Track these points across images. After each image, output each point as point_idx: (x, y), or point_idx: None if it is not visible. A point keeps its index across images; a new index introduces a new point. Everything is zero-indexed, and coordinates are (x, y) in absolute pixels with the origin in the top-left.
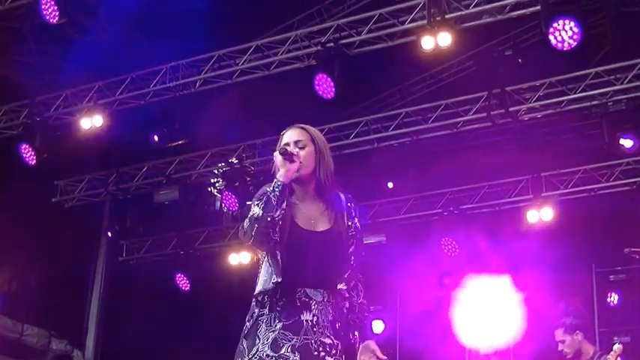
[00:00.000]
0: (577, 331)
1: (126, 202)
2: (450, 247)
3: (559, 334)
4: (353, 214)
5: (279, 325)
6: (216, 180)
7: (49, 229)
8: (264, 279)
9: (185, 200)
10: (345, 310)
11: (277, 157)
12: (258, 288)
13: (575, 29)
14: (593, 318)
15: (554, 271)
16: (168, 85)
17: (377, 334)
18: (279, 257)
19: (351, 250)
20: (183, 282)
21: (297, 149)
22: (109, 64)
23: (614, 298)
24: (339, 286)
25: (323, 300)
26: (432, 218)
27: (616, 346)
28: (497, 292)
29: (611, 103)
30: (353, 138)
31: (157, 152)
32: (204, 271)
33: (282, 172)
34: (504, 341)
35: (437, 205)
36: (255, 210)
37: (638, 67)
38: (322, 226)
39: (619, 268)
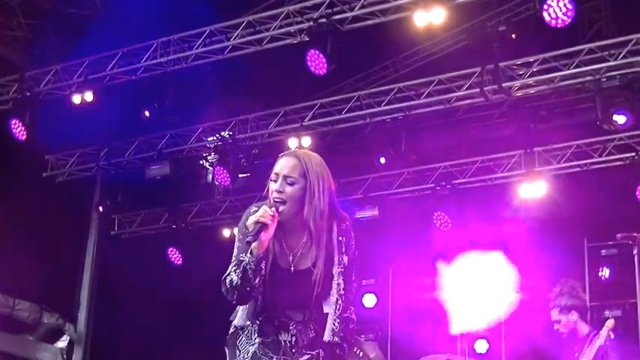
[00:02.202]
0: (572, 311)
1: (117, 176)
2: (442, 221)
3: (554, 314)
4: (343, 249)
5: (258, 340)
6: (208, 154)
7: (40, 204)
8: (241, 315)
9: (177, 175)
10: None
11: (255, 220)
12: (236, 322)
13: (570, 5)
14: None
15: (546, 246)
16: (159, 60)
17: (369, 308)
18: (259, 300)
19: (336, 287)
20: (175, 256)
21: (284, 187)
22: (99, 39)
23: (605, 273)
24: (325, 309)
25: (303, 319)
26: (424, 193)
27: (608, 321)
28: (490, 267)
29: (604, 79)
30: (345, 113)
31: (149, 127)
32: (196, 245)
33: (256, 244)
34: (496, 317)
35: (429, 179)
36: (233, 277)
37: (631, 44)
38: (303, 263)
39: (610, 242)
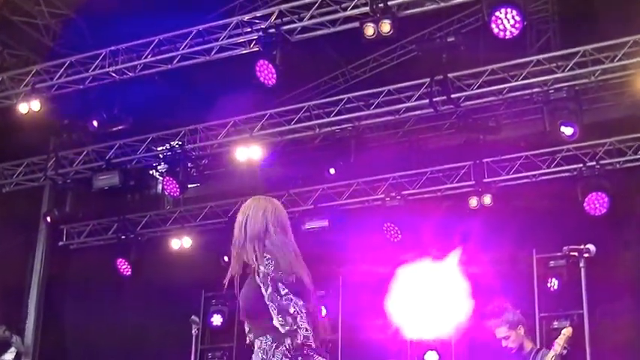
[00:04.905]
0: (519, 326)
1: (65, 186)
2: (392, 232)
3: (503, 331)
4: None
5: None
6: (157, 164)
7: None
8: None
9: (126, 185)
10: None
11: None
12: None
13: (517, 18)
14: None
15: (496, 258)
16: (107, 69)
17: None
18: None
19: (265, 299)
20: (124, 267)
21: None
22: (48, 47)
23: (554, 284)
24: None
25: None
26: (374, 204)
27: (566, 330)
28: (439, 278)
29: (552, 91)
30: (294, 124)
31: (97, 137)
32: (145, 256)
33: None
34: (446, 329)
35: (379, 190)
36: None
37: (578, 56)
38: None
39: (559, 253)
